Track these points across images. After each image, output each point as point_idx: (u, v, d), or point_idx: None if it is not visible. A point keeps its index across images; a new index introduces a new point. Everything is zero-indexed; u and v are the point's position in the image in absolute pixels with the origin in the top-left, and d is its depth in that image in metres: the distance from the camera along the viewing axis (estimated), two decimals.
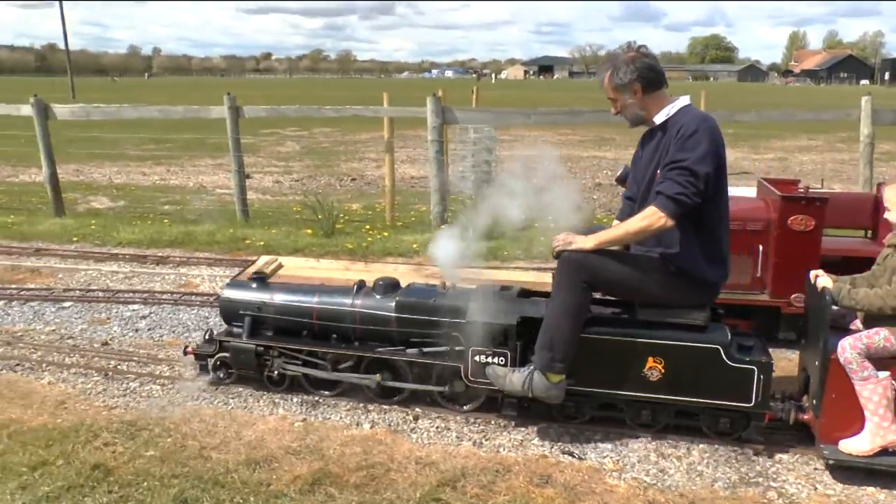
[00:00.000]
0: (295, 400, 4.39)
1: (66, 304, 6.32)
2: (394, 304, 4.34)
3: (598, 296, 4.02)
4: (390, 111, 8.92)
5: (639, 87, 3.77)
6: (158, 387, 4.63)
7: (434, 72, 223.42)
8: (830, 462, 3.63)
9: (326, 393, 4.49)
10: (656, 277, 3.79)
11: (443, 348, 4.24)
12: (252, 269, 5.06)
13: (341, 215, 9.00)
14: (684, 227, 3.71)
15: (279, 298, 4.59)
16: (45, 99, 9.68)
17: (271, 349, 4.50)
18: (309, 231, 8.46)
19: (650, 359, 3.87)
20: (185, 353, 4.83)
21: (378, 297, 4.42)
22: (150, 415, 4.21)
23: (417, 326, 4.29)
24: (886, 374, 3.51)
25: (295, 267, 5.39)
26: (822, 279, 3.76)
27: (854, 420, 3.57)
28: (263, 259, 5.46)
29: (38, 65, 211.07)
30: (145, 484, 3.48)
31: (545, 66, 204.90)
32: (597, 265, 3.75)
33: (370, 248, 7.87)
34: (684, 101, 3.82)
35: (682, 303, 3.85)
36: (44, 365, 5.00)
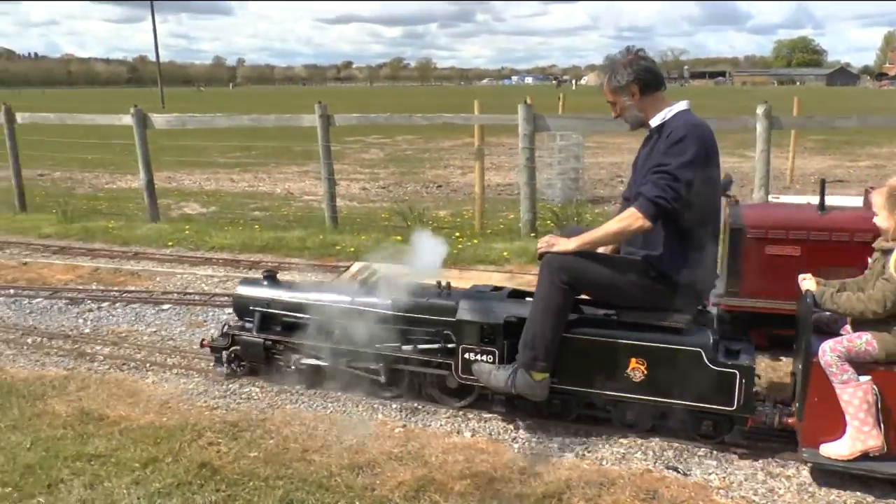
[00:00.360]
0: (394, 406, 4.39)
1: (165, 306, 6.48)
2: (391, 302, 4.51)
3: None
4: (482, 119, 8.90)
5: (636, 89, 3.84)
6: (258, 389, 4.71)
7: (514, 78, 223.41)
8: (809, 465, 3.64)
9: (329, 385, 4.66)
10: (636, 280, 3.83)
11: (435, 346, 4.37)
12: (346, 275, 5.11)
13: (430, 222, 9.03)
14: (668, 232, 3.77)
15: (286, 296, 4.84)
16: (143, 109, 9.97)
17: (278, 343, 4.77)
18: (398, 238, 8.50)
19: (632, 360, 3.91)
20: (202, 345, 5.07)
21: (376, 294, 4.59)
22: (250, 416, 4.28)
23: (412, 324, 4.45)
24: (868, 378, 3.45)
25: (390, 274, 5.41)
26: (807, 282, 3.72)
27: (836, 424, 3.52)
28: (357, 265, 5.50)
29: (129, 76, 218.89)
30: (251, 484, 3.52)
31: None
32: (577, 267, 3.83)
33: (460, 256, 7.85)
34: (682, 105, 3.87)
35: (663, 306, 3.87)
36: (147, 365, 5.15)
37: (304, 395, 4.58)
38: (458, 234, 8.87)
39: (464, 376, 4.24)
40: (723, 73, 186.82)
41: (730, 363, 3.78)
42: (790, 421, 3.78)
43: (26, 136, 12.21)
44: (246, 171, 16.47)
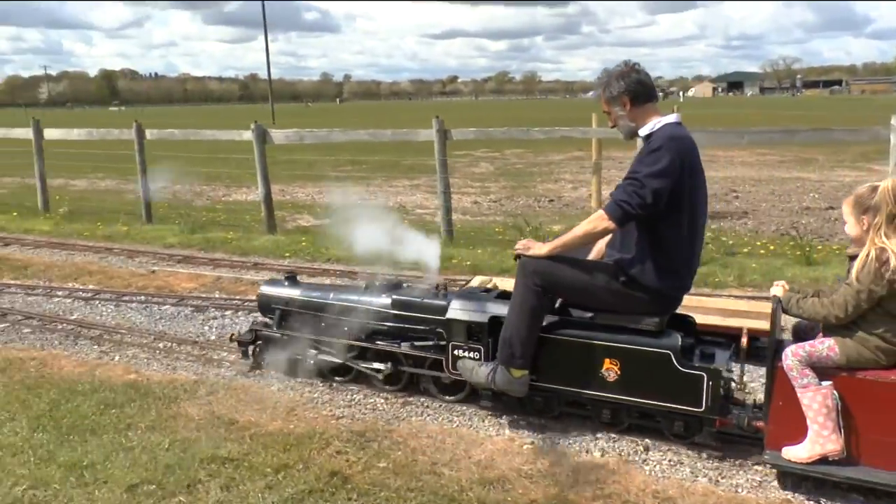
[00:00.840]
0: (522, 423, 4.36)
1: None
2: (390, 301, 4.85)
3: None
4: (600, 132, 8.79)
5: (627, 100, 3.98)
6: (382, 400, 4.75)
7: None
8: (769, 467, 3.74)
9: (339, 379, 5.09)
10: (606, 284, 3.99)
11: (429, 343, 4.68)
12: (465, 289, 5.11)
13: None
14: (640, 238, 3.92)
15: (302, 295, 5.25)
16: (263, 125, 10.27)
17: (295, 338, 5.15)
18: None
19: (607, 360, 4.08)
20: (231, 340, 5.58)
21: (379, 294, 4.96)
22: (376, 426, 4.33)
23: (408, 322, 4.78)
24: (829, 383, 3.50)
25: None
26: (775, 288, 3.82)
27: (799, 427, 3.57)
28: (478, 279, 5.49)
29: (241, 93, 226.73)
30: (382, 494, 3.56)
31: (734, 83, 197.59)
32: (550, 270, 4.03)
33: None
34: (671, 118, 3.98)
35: (633, 310, 4.03)
36: (272, 372, 5.27)
37: (430, 407, 4.60)
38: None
39: (454, 372, 4.50)
40: (838, 82, 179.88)
41: (697, 366, 3.91)
42: (759, 424, 3.83)
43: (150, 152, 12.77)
44: (357, 185, 16.77)
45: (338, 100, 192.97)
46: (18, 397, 4.89)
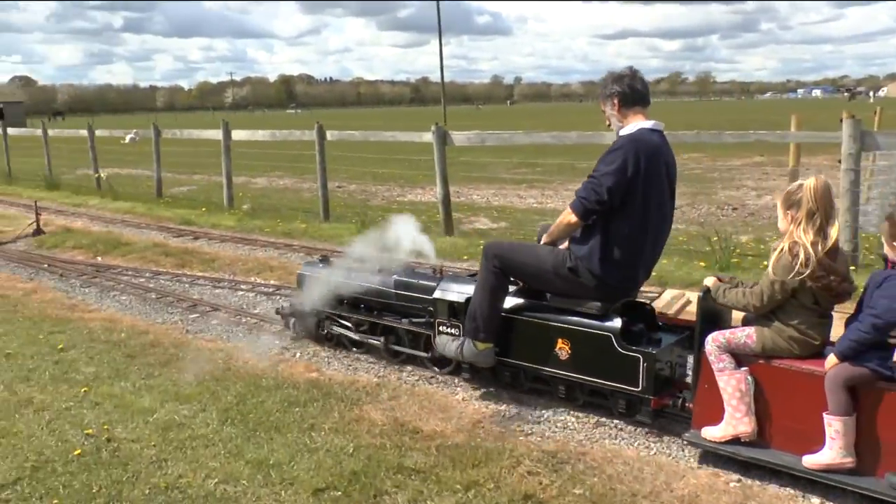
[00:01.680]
0: (724, 457, 3.94)
1: None
2: (393, 281, 5.44)
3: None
4: (799, 136, 8.13)
5: (617, 101, 4.34)
6: (573, 418, 4.49)
7: (800, 91, 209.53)
8: (687, 444, 4.03)
9: (356, 350, 5.75)
10: (553, 269, 4.40)
11: (422, 319, 5.26)
12: (658, 303, 4.76)
13: (734, 249, 8.41)
14: (593, 230, 4.28)
15: (332, 275, 5.86)
16: (444, 127, 10.21)
17: (322, 312, 5.85)
18: (702, 263, 7.99)
19: (560, 340, 4.47)
20: (276, 312, 6.36)
21: (388, 276, 5.55)
22: (568, 447, 4.07)
23: (406, 301, 5.39)
24: (744, 368, 3.72)
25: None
26: (708, 279, 4.04)
27: (719, 409, 3.78)
28: (669, 294, 5.12)
29: (412, 96, 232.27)
30: None
31: None
32: (506, 255, 4.58)
33: None
34: (647, 123, 4.26)
35: (579, 295, 4.40)
36: (457, 381, 5.13)
37: (624, 430, 4.30)
38: (764, 263, 8.18)
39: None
40: None
41: (635, 349, 4.18)
42: (689, 405, 4.08)
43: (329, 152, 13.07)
44: (532, 188, 16.53)
45: (508, 102, 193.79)
46: (209, 388, 4.99)
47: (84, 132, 17.55)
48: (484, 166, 19.05)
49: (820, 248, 3.56)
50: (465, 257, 8.93)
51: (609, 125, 4.47)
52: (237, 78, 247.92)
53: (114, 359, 5.71)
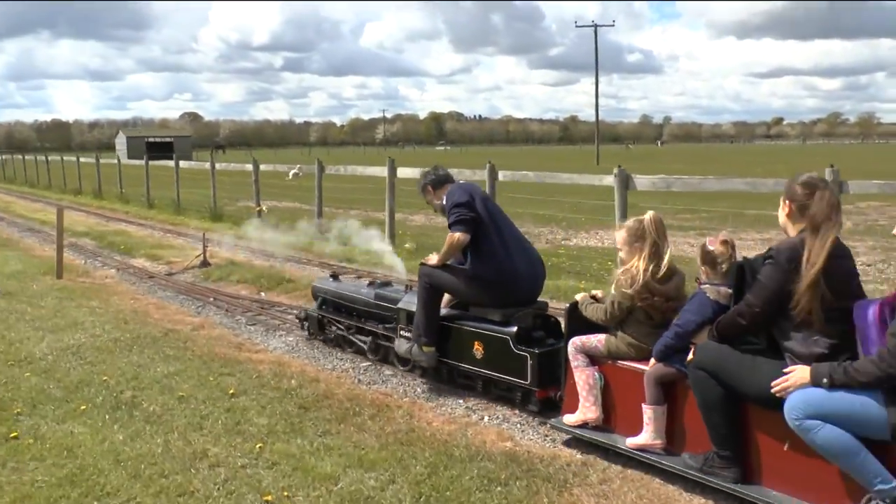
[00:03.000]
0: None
1: None
2: (374, 294, 6.68)
3: None
4: None
5: (430, 188, 6.11)
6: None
7: None
8: (550, 427, 4.95)
9: (350, 349, 6.92)
10: (459, 284, 5.63)
11: (391, 325, 6.39)
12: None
13: None
14: (470, 250, 5.57)
15: (332, 288, 7.19)
16: (626, 170, 9.54)
17: (325, 318, 7.19)
18: None
19: (476, 342, 5.50)
20: (296, 317, 7.77)
21: (371, 289, 6.82)
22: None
23: (381, 309, 6.55)
24: (594, 367, 4.65)
25: None
26: (579, 294, 4.98)
27: (578, 400, 4.66)
28: None
29: (560, 135, 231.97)
30: None
31: None
32: (432, 273, 5.72)
33: None
34: (454, 184, 6.03)
35: (479, 303, 5.58)
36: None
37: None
38: None
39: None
40: None
41: (523, 348, 5.15)
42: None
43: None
44: (702, 235, 15.51)
45: (658, 142, 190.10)
46: (395, 454, 4.55)
47: (249, 166, 17.96)
48: (644, 212, 18.12)
49: (650, 274, 4.43)
50: None
51: (434, 210, 6.17)
52: (388, 115, 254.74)
53: (286, 410, 5.39)
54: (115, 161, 29.95)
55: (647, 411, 4.26)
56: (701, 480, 3.99)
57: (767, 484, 3.84)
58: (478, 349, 5.49)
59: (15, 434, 5.01)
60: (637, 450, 4.30)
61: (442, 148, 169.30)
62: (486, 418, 5.28)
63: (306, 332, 7.47)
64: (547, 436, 4.94)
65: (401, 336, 6.12)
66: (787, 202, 3.91)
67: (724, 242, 4.26)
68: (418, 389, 5.90)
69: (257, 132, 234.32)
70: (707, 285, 4.23)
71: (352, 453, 4.58)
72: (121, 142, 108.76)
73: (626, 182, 9.40)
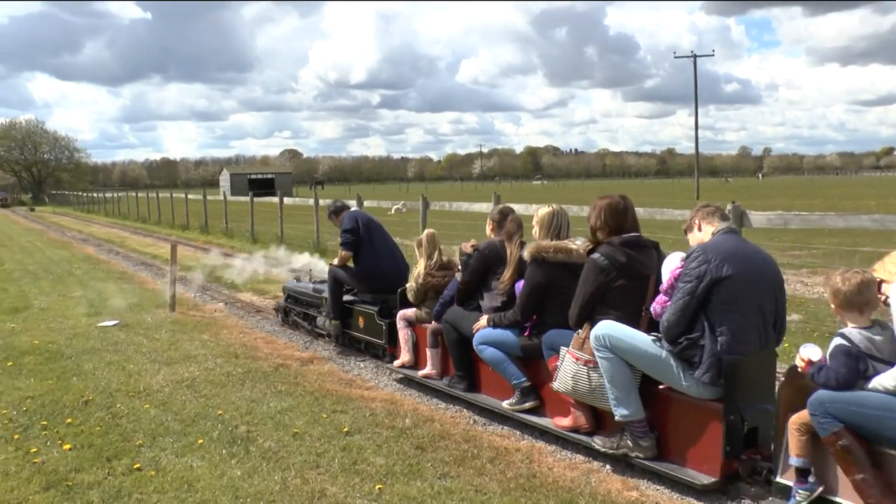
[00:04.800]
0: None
1: None
2: (312, 287, 9.46)
3: None
4: None
5: (333, 216, 8.88)
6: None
7: None
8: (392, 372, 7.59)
9: (306, 326, 9.57)
10: (350, 277, 8.40)
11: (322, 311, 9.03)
12: None
13: None
14: (354, 257, 8.37)
15: (294, 286, 9.91)
16: (741, 206, 9.17)
17: (288, 308, 10.02)
18: None
19: (360, 317, 8.32)
20: (273, 308, 10.75)
21: (312, 284, 9.61)
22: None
23: (315, 299, 9.28)
24: (410, 328, 7.35)
25: None
26: (409, 284, 7.59)
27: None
28: None
29: (657, 168, 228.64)
30: None
31: None
32: (335, 272, 8.44)
33: None
34: (354, 209, 9.01)
35: (362, 289, 8.39)
36: None
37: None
38: None
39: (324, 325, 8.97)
40: None
41: (382, 320, 7.90)
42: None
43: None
44: (815, 273, 14.84)
45: (759, 175, 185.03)
46: (518, 501, 4.41)
47: (352, 202, 18.20)
48: None
49: (428, 268, 7.33)
50: None
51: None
52: (485, 150, 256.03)
53: (403, 450, 5.30)
54: (221, 197, 30.90)
55: (430, 352, 6.96)
56: (444, 390, 6.70)
57: (484, 392, 6.36)
58: (360, 321, 8.31)
59: (138, 466, 5.09)
60: (424, 377, 6.98)
61: (538, 182, 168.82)
62: (607, 466, 5.07)
63: (280, 320, 10.26)
64: (674, 488, 4.69)
65: (322, 315, 8.95)
66: (490, 221, 6.74)
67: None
68: (536, 432, 5.73)
69: (355, 168, 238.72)
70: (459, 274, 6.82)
71: (473, 498, 4.45)
72: (225, 179, 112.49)
73: (740, 218, 9.02)
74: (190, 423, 6.00)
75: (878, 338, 3.93)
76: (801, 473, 4.04)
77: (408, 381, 7.23)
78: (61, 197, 79.75)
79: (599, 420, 5.16)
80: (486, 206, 13.62)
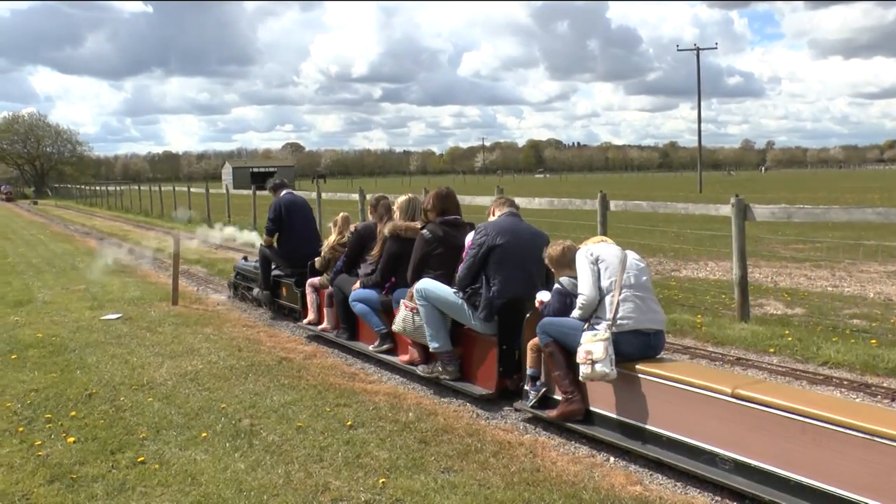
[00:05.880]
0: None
1: None
2: (252, 265, 11.28)
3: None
4: None
5: (272, 191, 10.74)
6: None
7: None
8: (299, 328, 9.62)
9: (249, 297, 11.39)
10: (273, 254, 10.27)
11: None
12: None
13: None
14: (276, 239, 10.28)
15: (241, 265, 11.76)
16: (745, 199, 9.18)
17: (236, 283, 11.78)
18: None
19: (283, 288, 10.26)
20: (227, 285, 12.41)
21: (252, 262, 11.45)
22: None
23: (254, 274, 11.04)
24: (316, 293, 9.13)
25: None
26: (318, 259, 9.41)
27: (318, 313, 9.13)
28: None
29: (660, 161, 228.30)
30: None
31: None
32: (263, 251, 10.39)
33: None
34: (286, 193, 10.51)
35: (283, 265, 10.24)
36: None
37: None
38: None
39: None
40: None
41: (299, 289, 9.59)
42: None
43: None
44: (818, 267, 14.77)
45: (761, 168, 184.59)
46: (522, 495, 4.41)
47: (355, 195, 18.23)
48: (756, 240, 17.45)
49: (334, 242, 9.03)
50: (772, 350, 7.83)
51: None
52: (487, 143, 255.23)
53: (407, 444, 5.31)
54: (223, 191, 30.89)
55: (326, 311, 8.77)
56: (335, 340, 8.59)
57: (361, 340, 8.25)
58: (284, 291, 10.26)
59: (142, 458, 5.10)
60: (322, 331, 8.79)
61: (541, 176, 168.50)
62: (611, 459, 5.08)
63: (230, 293, 12.02)
64: (678, 483, 4.70)
65: (257, 287, 10.82)
66: (369, 206, 8.54)
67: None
68: (539, 427, 5.74)
69: (357, 161, 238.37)
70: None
71: (477, 492, 4.45)
72: (227, 172, 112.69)
73: (744, 212, 9.03)
74: (193, 416, 6.01)
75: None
76: (533, 379, 5.78)
77: (410, 376, 7.22)
78: (64, 190, 79.84)
79: (429, 357, 6.85)
80: (488, 200, 13.59)
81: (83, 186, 69.66)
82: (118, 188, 55.74)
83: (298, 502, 4.42)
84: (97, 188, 62.22)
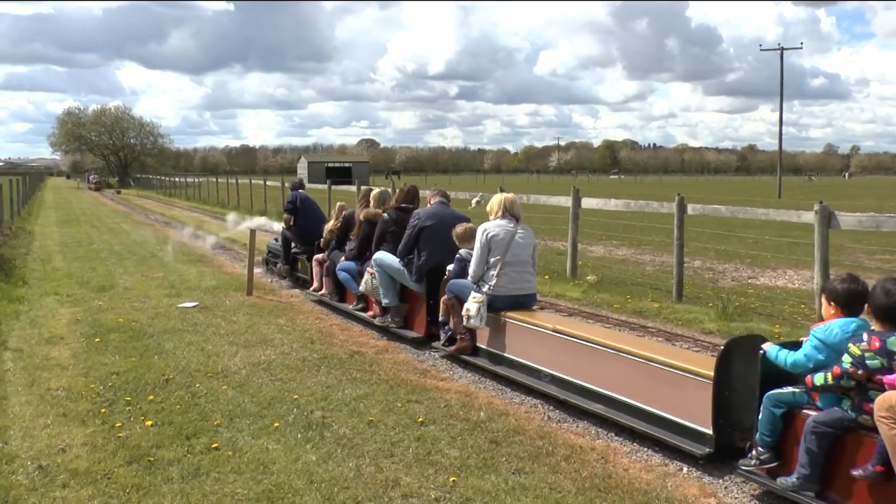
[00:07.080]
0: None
1: None
2: (276, 245, 13.69)
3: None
4: None
5: (290, 189, 13.41)
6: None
7: None
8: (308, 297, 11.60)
9: (275, 270, 13.62)
10: (293, 234, 12.49)
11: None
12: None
13: None
14: (293, 222, 12.50)
15: (271, 245, 13.91)
16: (829, 206, 8.90)
17: (268, 260, 14.10)
18: None
19: (299, 261, 12.52)
20: (263, 262, 14.22)
21: (278, 242, 13.32)
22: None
23: (279, 252, 13.13)
24: (321, 266, 11.00)
25: None
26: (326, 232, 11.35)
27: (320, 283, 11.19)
28: None
29: (738, 165, 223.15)
30: None
31: None
32: (283, 232, 12.83)
33: None
34: (301, 193, 12.78)
35: (298, 243, 12.40)
36: None
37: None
38: None
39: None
40: None
41: (309, 262, 11.62)
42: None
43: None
44: None
45: (845, 174, 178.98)
46: (593, 502, 4.34)
47: (428, 192, 18.26)
48: (838, 249, 16.88)
49: (332, 227, 10.94)
50: None
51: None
52: (562, 142, 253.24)
53: (478, 443, 5.28)
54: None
55: (325, 280, 10.62)
56: (332, 304, 10.53)
57: (347, 302, 10.23)
58: (299, 265, 12.40)
59: (216, 445, 5.19)
60: (321, 296, 10.79)
61: (616, 177, 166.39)
62: (684, 469, 4.96)
63: (264, 268, 14.01)
64: (754, 494, 4.56)
65: (281, 264, 12.87)
66: (359, 199, 10.52)
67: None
68: (612, 432, 5.65)
69: (432, 159, 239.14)
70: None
71: (548, 496, 4.40)
72: (302, 166, 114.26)
73: (828, 219, 8.73)
74: (266, 405, 6.09)
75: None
76: (443, 325, 7.88)
77: (483, 373, 7.20)
78: (145, 181, 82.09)
79: (384, 312, 8.90)
80: (563, 200, 13.53)
81: (163, 177, 71.51)
82: (196, 180, 57.10)
83: (369, 496, 4.43)
84: (176, 179, 63.80)
